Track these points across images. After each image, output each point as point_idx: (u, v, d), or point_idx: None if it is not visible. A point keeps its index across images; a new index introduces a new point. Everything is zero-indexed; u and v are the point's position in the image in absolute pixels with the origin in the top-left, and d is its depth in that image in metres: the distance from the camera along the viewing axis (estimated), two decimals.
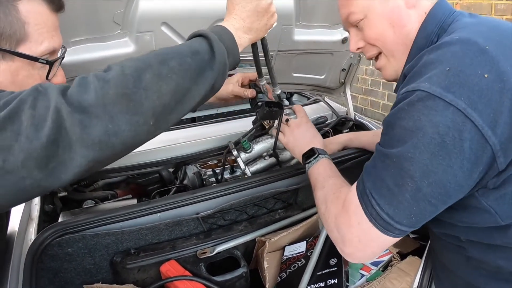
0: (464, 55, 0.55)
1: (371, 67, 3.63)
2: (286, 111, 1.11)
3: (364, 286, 1.00)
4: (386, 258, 1.07)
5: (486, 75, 0.52)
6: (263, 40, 0.82)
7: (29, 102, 0.47)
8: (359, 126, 1.50)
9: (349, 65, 1.39)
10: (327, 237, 1.12)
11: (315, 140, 1.01)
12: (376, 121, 1.60)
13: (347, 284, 0.98)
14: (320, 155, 0.94)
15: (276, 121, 1.08)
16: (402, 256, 1.08)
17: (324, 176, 0.86)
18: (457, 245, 0.73)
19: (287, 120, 1.07)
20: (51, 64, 0.65)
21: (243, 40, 0.69)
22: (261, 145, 1.20)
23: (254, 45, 0.82)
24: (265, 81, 1.05)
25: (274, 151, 1.17)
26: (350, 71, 1.41)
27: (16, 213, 1.07)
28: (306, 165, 0.95)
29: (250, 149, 1.17)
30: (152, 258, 1.03)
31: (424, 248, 1.03)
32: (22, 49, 0.61)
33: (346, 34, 1.27)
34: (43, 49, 0.63)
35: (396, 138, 0.61)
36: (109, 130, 0.48)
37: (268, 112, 1.02)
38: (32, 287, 0.82)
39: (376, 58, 0.80)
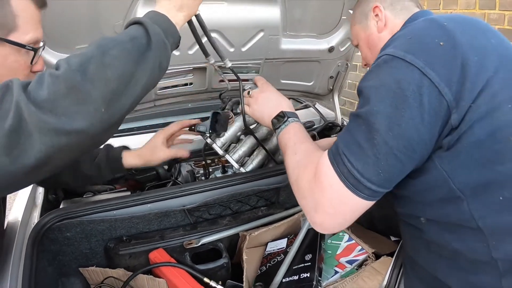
0: (424, 27, 0.65)
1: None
2: (248, 85, 1.11)
3: (337, 282, 1.07)
4: (361, 258, 1.14)
5: (441, 43, 0.60)
6: (197, 16, 0.87)
7: None
8: None
9: (336, 72, 1.46)
10: (306, 235, 1.19)
11: (282, 103, 0.99)
12: None
13: (320, 278, 1.04)
14: (289, 119, 0.92)
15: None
16: (378, 256, 1.14)
17: (295, 141, 0.85)
18: (417, 227, 0.74)
19: (248, 93, 1.06)
20: (35, 50, 0.75)
21: (178, 18, 0.72)
22: (233, 126, 1.17)
23: (190, 24, 0.87)
24: (213, 60, 1.03)
25: (246, 127, 1.13)
26: (338, 79, 1.48)
27: (22, 200, 1.19)
28: (276, 131, 0.94)
29: (222, 134, 1.16)
30: (142, 246, 1.12)
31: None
32: (11, 38, 0.71)
33: (332, 43, 1.35)
34: (29, 39, 0.73)
35: (365, 99, 0.65)
36: (62, 120, 0.54)
37: (221, 118, 1.08)
38: (33, 266, 0.91)
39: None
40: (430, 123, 0.59)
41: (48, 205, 1.21)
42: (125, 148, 1.16)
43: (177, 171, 1.46)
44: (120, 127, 1.56)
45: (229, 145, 1.20)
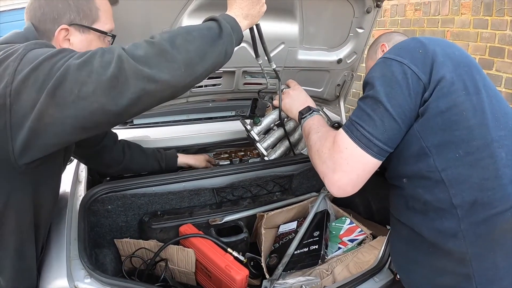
0: (410, 42, 0.91)
1: None
2: (282, 86, 1.34)
3: (340, 255, 1.25)
4: (361, 237, 1.33)
5: (420, 51, 0.85)
6: (257, 25, 1.08)
7: (99, 53, 0.69)
8: None
9: (343, 81, 1.68)
10: (314, 217, 1.38)
11: (308, 100, 1.22)
12: None
13: (326, 251, 1.23)
14: (314, 112, 1.14)
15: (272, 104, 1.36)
16: (375, 237, 1.33)
17: (317, 125, 1.06)
18: (400, 187, 0.92)
19: (282, 90, 1.31)
20: (114, 37, 0.95)
21: (242, 24, 0.91)
22: (269, 118, 1.42)
23: (251, 30, 1.08)
24: (261, 60, 1.23)
25: (280, 119, 1.38)
26: (344, 86, 1.70)
27: (68, 176, 1.35)
28: (301, 120, 1.14)
29: (260, 122, 1.40)
30: (173, 222, 1.29)
31: None
32: (96, 27, 0.90)
33: (341, 56, 1.57)
34: (108, 28, 0.92)
35: (370, 85, 0.87)
36: (154, 71, 0.69)
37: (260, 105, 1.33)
38: (85, 225, 1.06)
39: None
40: (413, 97, 0.82)
41: (90, 183, 1.37)
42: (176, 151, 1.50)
43: None
44: (149, 120, 1.74)
45: (261, 135, 1.44)
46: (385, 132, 0.82)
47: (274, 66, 1.21)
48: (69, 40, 0.88)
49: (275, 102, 1.31)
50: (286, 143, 1.46)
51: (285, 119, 1.47)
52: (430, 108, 0.81)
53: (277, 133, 1.44)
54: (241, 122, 1.46)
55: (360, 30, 1.56)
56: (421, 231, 0.87)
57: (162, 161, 1.41)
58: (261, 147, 1.39)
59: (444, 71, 0.82)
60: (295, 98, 1.23)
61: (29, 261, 0.91)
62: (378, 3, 1.48)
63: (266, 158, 1.41)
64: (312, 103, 1.21)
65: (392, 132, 0.83)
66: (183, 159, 1.46)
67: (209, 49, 0.79)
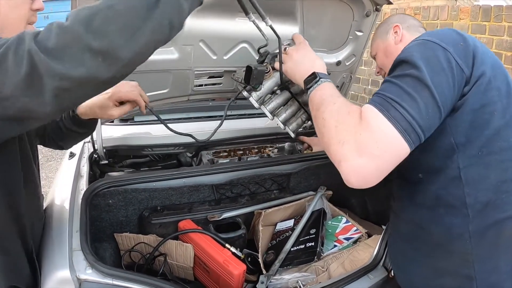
0: (449, 32, 0.83)
1: (369, 86, 3.99)
2: (286, 42, 1.15)
3: (335, 253, 1.28)
4: (356, 236, 1.36)
5: (461, 44, 0.79)
6: None
7: (12, 48, 0.59)
8: None
9: (342, 83, 1.71)
10: (310, 216, 1.41)
11: (315, 64, 1.01)
12: None
13: (322, 248, 1.26)
14: (321, 79, 0.93)
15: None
16: (370, 236, 1.36)
17: (331, 94, 0.88)
18: (410, 181, 0.88)
19: (285, 49, 1.09)
20: None
21: None
22: (269, 81, 1.19)
23: None
24: (253, 17, 1.01)
25: (282, 83, 1.18)
26: (342, 88, 1.73)
27: (70, 171, 1.37)
28: (308, 90, 0.95)
29: (259, 87, 1.18)
30: (172, 217, 1.31)
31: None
32: None
33: (340, 58, 1.60)
34: None
35: (412, 64, 0.76)
36: (66, 67, 0.58)
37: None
38: (87, 218, 1.08)
39: (384, 74, 1.21)
40: (456, 88, 0.76)
41: (91, 178, 1.40)
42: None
43: (198, 159, 1.66)
44: (150, 118, 1.76)
45: (265, 98, 1.24)
46: (428, 120, 0.72)
47: (270, 23, 1.01)
48: None
49: (276, 65, 1.13)
50: (295, 104, 1.28)
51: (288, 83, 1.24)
52: (467, 104, 0.77)
53: (284, 94, 1.26)
54: (238, 87, 1.26)
55: (359, 33, 1.59)
56: (430, 227, 0.85)
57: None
58: (266, 110, 1.21)
59: (484, 68, 0.78)
60: (299, 62, 1.04)
61: (14, 258, 0.90)
62: (378, 7, 1.51)
63: (276, 119, 1.25)
64: (320, 67, 1.01)
65: (433, 121, 0.74)
66: (81, 108, 1.11)
67: (141, 25, 0.62)
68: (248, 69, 1.13)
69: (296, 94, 1.26)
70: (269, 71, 1.17)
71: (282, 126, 1.26)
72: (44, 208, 1.19)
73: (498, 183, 0.78)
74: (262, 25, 1.05)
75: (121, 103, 1.13)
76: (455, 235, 0.81)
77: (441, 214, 0.83)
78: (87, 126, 1.15)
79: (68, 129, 1.13)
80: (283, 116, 1.25)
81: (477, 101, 0.77)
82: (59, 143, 1.19)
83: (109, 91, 1.08)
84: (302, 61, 1.03)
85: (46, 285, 0.91)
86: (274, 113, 1.25)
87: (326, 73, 0.99)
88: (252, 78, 1.12)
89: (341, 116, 0.78)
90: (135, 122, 1.79)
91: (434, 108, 0.73)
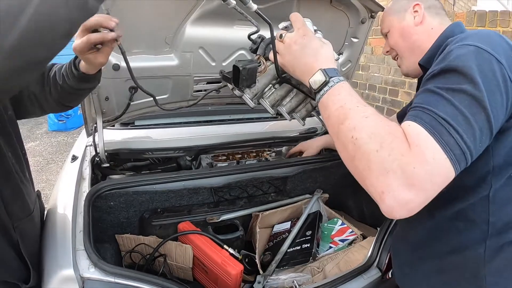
0: (497, 38, 0.72)
1: (366, 91, 4.03)
2: (283, 24, 0.91)
3: (331, 254, 1.31)
4: (351, 238, 1.39)
5: (511, 55, 0.69)
6: None
7: None
8: None
9: None
10: (307, 217, 1.44)
11: (319, 56, 0.79)
12: None
13: (317, 249, 1.29)
14: (332, 79, 0.73)
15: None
16: (365, 238, 1.40)
17: (354, 103, 0.69)
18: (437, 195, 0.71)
19: (281, 36, 0.85)
20: None
21: None
22: (265, 77, 0.96)
23: None
24: (234, 2, 0.85)
25: (280, 76, 0.92)
26: None
27: (72, 173, 1.40)
28: (316, 95, 0.76)
29: (253, 84, 0.96)
30: (172, 219, 1.35)
31: None
32: None
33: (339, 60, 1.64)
34: None
35: (467, 76, 0.64)
36: None
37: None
38: (89, 217, 1.11)
39: (397, 59, 1.11)
40: (509, 109, 0.67)
41: (93, 180, 1.43)
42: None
43: (198, 162, 1.70)
44: (150, 122, 1.80)
45: (262, 93, 1.01)
46: (480, 146, 0.63)
47: (255, 8, 0.83)
48: None
49: (271, 57, 0.90)
50: (301, 93, 1.05)
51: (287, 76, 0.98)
52: (510, 126, 0.69)
53: (284, 87, 1.02)
54: (228, 85, 1.05)
55: (355, 40, 1.63)
56: (444, 239, 0.80)
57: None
58: (267, 103, 1.00)
59: None
60: (298, 54, 0.81)
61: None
62: (373, 14, 1.56)
63: (283, 110, 1.05)
64: (326, 59, 0.78)
65: (483, 147, 0.65)
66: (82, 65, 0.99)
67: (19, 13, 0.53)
68: (235, 70, 0.91)
69: (299, 84, 1.01)
70: (263, 65, 0.93)
71: (288, 117, 1.07)
72: (44, 207, 1.24)
73: None
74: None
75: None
76: (470, 249, 0.76)
77: (459, 227, 0.78)
78: (96, 78, 1.04)
79: (79, 89, 1.04)
80: (288, 105, 1.04)
81: None
82: (68, 104, 1.12)
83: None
84: (302, 54, 0.80)
85: (50, 284, 0.94)
86: (275, 106, 1.04)
87: (336, 67, 0.77)
88: (241, 79, 0.91)
89: (382, 138, 0.62)
90: (136, 126, 1.83)
91: (487, 133, 0.64)
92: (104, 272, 0.94)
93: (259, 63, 0.94)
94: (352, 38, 1.63)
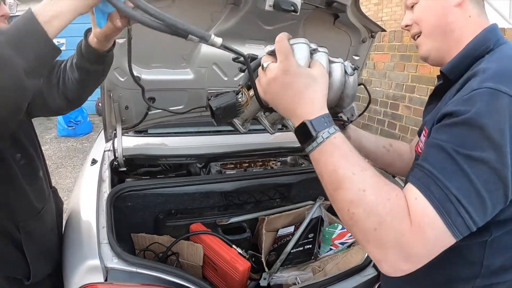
0: None
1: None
2: (269, 48, 0.72)
3: (331, 255, 1.41)
4: (351, 241, 1.49)
5: None
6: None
7: None
8: None
9: None
10: (310, 221, 1.54)
11: (303, 102, 0.66)
12: None
13: (318, 250, 1.39)
14: (320, 134, 0.62)
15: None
16: None
17: (347, 167, 0.60)
18: None
19: (263, 68, 0.70)
20: None
21: (56, 5, 0.61)
22: (251, 107, 0.82)
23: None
24: (197, 39, 0.69)
25: (266, 109, 0.79)
26: None
27: (93, 175, 1.52)
28: (306, 148, 0.65)
29: (239, 115, 0.82)
30: (185, 220, 1.46)
31: None
32: None
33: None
34: None
35: (488, 139, 0.56)
36: None
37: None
38: (111, 215, 1.21)
39: (417, 38, 0.85)
40: None
41: (112, 182, 1.55)
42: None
43: (207, 170, 1.82)
44: (163, 130, 1.92)
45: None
46: (489, 217, 0.59)
47: (220, 42, 0.69)
48: None
49: (251, 93, 0.77)
50: None
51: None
52: None
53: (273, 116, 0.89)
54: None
55: (356, 57, 1.76)
56: (434, 272, 0.74)
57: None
58: (266, 123, 0.88)
59: None
60: (280, 96, 0.68)
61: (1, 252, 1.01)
62: (373, 34, 1.69)
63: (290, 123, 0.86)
64: (314, 105, 0.65)
65: (493, 214, 0.60)
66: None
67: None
68: (210, 109, 0.80)
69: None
70: (245, 97, 0.79)
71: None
72: (61, 202, 1.33)
73: None
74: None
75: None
76: (459, 283, 0.72)
77: (451, 261, 0.72)
78: (109, 56, 0.96)
79: (91, 71, 0.98)
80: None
81: None
82: (72, 98, 1.07)
83: None
84: (283, 95, 0.68)
85: (77, 273, 1.05)
86: (276, 124, 0.92)
87: (325, 112, 0.65)
88: (217, 118, 0.79)
89: (381, 217, 0.57)
90: (149, 134, 1.95)
91: (501, 205, 0.59)
92: (127, 263, 1.04)
93: (240, 95, 0.79)
94: (353, 56, 1.76)
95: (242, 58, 0.77)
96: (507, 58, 0.67)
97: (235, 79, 1.55)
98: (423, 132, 0.76)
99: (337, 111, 0.89)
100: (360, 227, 0.59)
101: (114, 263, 1.04)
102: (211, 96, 0.81)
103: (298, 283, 1.18)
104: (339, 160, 0.61)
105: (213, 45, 0.69)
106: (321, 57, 0.73)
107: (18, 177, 1.04)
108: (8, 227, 1.04)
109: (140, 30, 1.22)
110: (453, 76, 0.75)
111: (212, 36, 0.67)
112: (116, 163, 1.60)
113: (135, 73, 1.44)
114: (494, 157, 0.55)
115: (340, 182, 0.60)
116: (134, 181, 1.40)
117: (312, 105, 0.65)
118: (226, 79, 1.53)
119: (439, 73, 0.80)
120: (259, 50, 1.47)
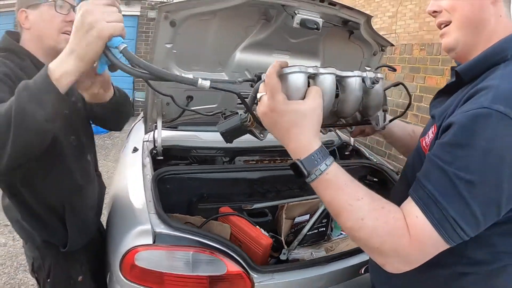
0: None
1: None
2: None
3: (341, 238, 1.61)
4: None
5: None
6: (106, 51, 0.70)
7: None
8: (357, 151, 2.17)
9: None
10: (324, 209, 1.74)
11: (291, 140, 0.68)
12: (377, 155, 2.19)
13: (330, 232, 1.59)
14: (312, 171, 0.66)
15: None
16: None
17: (343, 199, 0.65)
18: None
19: (259, 99, 0.73)
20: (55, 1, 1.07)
21: (65, 65, 0.71)
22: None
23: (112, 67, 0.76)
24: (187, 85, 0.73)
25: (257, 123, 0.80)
26: None
27: (137, 162, 1.74)
28: (306, 179, 0.69)
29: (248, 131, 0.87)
30: (215, 204, 1.67)
31: None
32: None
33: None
34: None
35: (490, 166, 0.59)
36: None
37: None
38: (156, 191, 1.41)
39: (443, 27, 0.80)
40: None
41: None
42: None
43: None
44: (192, 128, 2.15)
45: None
46: (481, 230, 0.64)
47: (208, 86, 0.71)
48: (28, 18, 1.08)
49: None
50: None
51: None
52: None
53: None
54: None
55: (367, 68, 1.98)
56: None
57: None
58: (256, 132, 0.89)
59: None
60: (272, 129, 0.72)
61: (45, 219, 1.18)
62: (383, 48, 1.91)
63: None
64: (302, 143, 0.68)
65: (485, 227, 0.65)
66: None
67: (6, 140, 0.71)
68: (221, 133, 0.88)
69: None
70: (250, 121, 0.82)
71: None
72: (104, 185, 1.53)
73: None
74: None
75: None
76: (439, 269, 0.76)
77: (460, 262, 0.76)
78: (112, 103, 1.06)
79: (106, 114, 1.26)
80: None
81: None
82: (112, 125, 1.42)
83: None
84: (274, 129, 0.71)
85: (129, 237, 1.24)
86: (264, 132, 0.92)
87: (316, 147, 0.67)
88: (225, 138, 0.89)
89: (381, 238, 0.64)
90: (179, 130, 2.17)
91: (494, 220, 0.64)
92: (172, 228, 1.24)
93: (245, 118, 0.84)
94: (366, 67, 1.98)
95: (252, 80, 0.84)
96: None
97: None
98: (432, 128, 0.76)
99: (364, 116, 0.95)
100: (363, 245, 0.67)
101: (161, 228, 1.22)
102: (220, 119, 0.89)
103: (313, 257, 1.38)
104: (335, 193, 0.66)
105: (202, 88, 0.72)
106: (323, 80, 0.74)
107: (67, 157, 1.21)
108: (54, 202, 1.20)
109: (184, 39, 1.47)
110: (467, 78, 0.75)
111: (200, 81, 0.71)
112: (155, 152, 1.83)
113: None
114: (492, 182, 0.59)
115: (339, 212, 0.66)
116: (174, 166, 1.63)
117: (300, 143, 0.68)
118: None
119: (445, 83, 0.82)
120: (284, 60, 1.69)
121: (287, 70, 0.71)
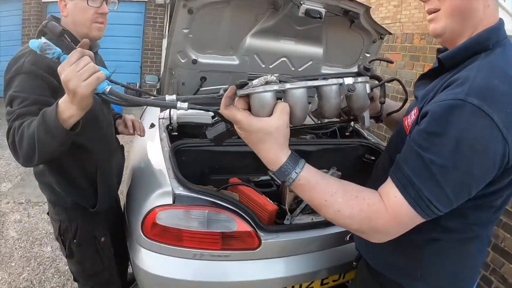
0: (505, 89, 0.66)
1: None
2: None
3: None
4: None
5: None
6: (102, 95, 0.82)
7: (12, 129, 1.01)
8: (356, 132, 2.33)
9: None
10: None
11: (262, 155, 0.75)
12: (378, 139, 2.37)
13: None
14: (286, 179, 0.73)
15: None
16: None
17: (322, 198, 0.72)
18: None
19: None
20: None
21: (70, 110, 0.86)
22: None
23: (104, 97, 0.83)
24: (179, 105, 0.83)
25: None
26: None
27: (156, 136, 1.91)
28: (283, 183, 0.75)
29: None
30: (225, 175, 1.85)
31: None
32: None
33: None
34: None
35: (462, 154, 0.64)
36: (16, 156, 1.01)
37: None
38: (174, 159, 1.56)
39: (432, 13, 0.80)
40: (500, 170, 0.69)
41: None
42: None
43: None
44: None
45: None
46: (454, 207, 0.71)
47: (186, 107, 0.84)
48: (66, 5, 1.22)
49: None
50: None
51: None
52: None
53: None
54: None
55: (367, 55, 2.13)
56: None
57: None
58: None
59: None
60: (247, 141, 0.77)
61: (75, 181, 1.31)
62: (382, 36, 2.06)
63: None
64: (271, 158, 0.74)
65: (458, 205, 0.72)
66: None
67: (37, 145, 0.94)
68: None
69: None
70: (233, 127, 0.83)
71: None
72: (125, 158, 1.69)
73: None
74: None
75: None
76: (413, 234, 0.78)
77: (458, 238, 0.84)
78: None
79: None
80: None
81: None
82: None
83: None
84: (248, 143, 0.77)
85: (151, 198, 1.37)
86: None
87: (284, 159, 0.73)
88: (214, 143, 0.95)
89: (360, 222, 0.72)
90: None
91: (465, 199, 0.70)
92: (190, 190, 1.36)
93: (229, 126, 0.87)
94: (365, 53, 2.13)
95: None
96: (497, 69, 0.69)
97: (270, 66, 1.94)
98: (414, 110, 0.82)
99: (350, 116, 1.00)
100: (346, 228, 0.75)
101: (180, 190, 1.35)
102: (208, 126, 0.98)
103: (314, 221, 1.57)
104: (310, 193, 0.73)
105: (181, 109, 0.82)
106: (292, 96, 0.76)
107: (103, 125, 1.34)
108: (88, 166, 1.32)
109: (200, 24, 1.62)
110: (448, 65, 0.78)
111: (179, 103, 0.81)
112: (171, 127, 2.00)
113: (192, 56, 1.85)
114: (463, 169, 0.65)
115: (318, 208, 0.74)
116: (189, 139, 1.80)
117: (269, 158, 0.74)
118: (263, 66, 1.93)
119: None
120: (290, 45, 1.85)
121: (249, 90, 0.74)
